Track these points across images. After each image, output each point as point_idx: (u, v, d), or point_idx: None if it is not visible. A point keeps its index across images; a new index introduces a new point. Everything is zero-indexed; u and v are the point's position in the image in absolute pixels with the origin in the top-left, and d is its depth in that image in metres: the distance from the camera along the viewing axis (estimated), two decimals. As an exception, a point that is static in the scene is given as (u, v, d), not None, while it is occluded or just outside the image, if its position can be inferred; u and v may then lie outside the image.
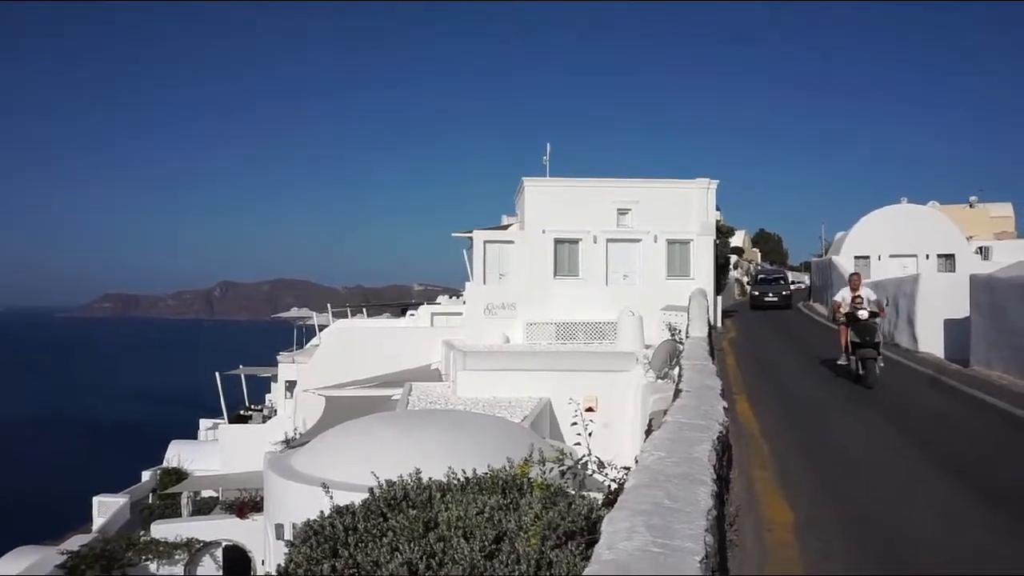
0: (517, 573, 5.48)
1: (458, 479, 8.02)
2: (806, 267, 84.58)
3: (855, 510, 6.67)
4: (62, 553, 20.75)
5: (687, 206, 28.03)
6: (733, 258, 56.23)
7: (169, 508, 27.08)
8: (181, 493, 27.26)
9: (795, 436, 9.79)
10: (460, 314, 28.82)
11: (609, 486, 6.75)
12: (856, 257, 37.15)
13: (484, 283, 27.62)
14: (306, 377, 26.31)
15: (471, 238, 28.35)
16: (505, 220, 35.05)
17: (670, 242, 27.89)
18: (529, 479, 7.52)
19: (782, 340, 23.89)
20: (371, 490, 8.13)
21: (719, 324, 28.17)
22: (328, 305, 40.13)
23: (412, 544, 6.05)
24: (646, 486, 3.93)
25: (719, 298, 29.69)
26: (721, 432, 5.64)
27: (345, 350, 26.66)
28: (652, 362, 17.06)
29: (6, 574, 19.84)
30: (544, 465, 7.08)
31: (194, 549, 22.22)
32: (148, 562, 22.21)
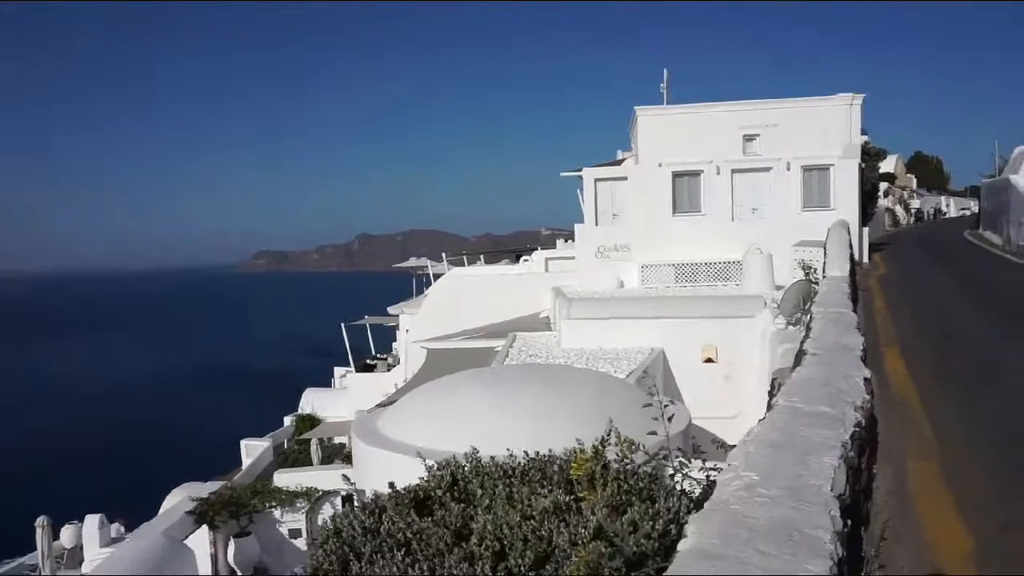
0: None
1: (518, 462, 6.52)
2: (973, 191, 75.28)
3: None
4: (192, 499, 21.62)
5: (826, 127, 24.51)
6: (883, 185, 50.40)
7: (303, 453, 27.91)
8: (309, 440, 27.94)
9: (971, 408, 7.43)
10: (574, 258, 27.13)
11: (704, 479, 5.01)
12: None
13: (596, 224, 25.69)
14: (416, 328, 25.79)
15: (581, 177, 26.39)
16: (620, 155, 32.62)
17: (806, 169, 24.59)
18: (605, 465, 5.90)
19: (947, 277, 20.29)
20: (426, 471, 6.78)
21: (866, 260, 24.77)
22: (443, 254, 39.61)
23: (434, 560, 4.67)
24: (708, 556, 2.23)
25: (866, 230, 26.08)
26: (858, 426, 3.76)
27: (453, 300, 25.82)
28: (781, 306, 14.72)
29: (169, 506, 21.27)
30: (623, 447, 5.45)
31: (314, 497, 22.56)
32: (272, 509, 22.79)
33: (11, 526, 23.01)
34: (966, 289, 16.96)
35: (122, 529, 22.03)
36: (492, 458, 6.72)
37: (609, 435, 6.10)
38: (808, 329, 7.34)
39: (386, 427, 11.58)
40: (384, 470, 10.96)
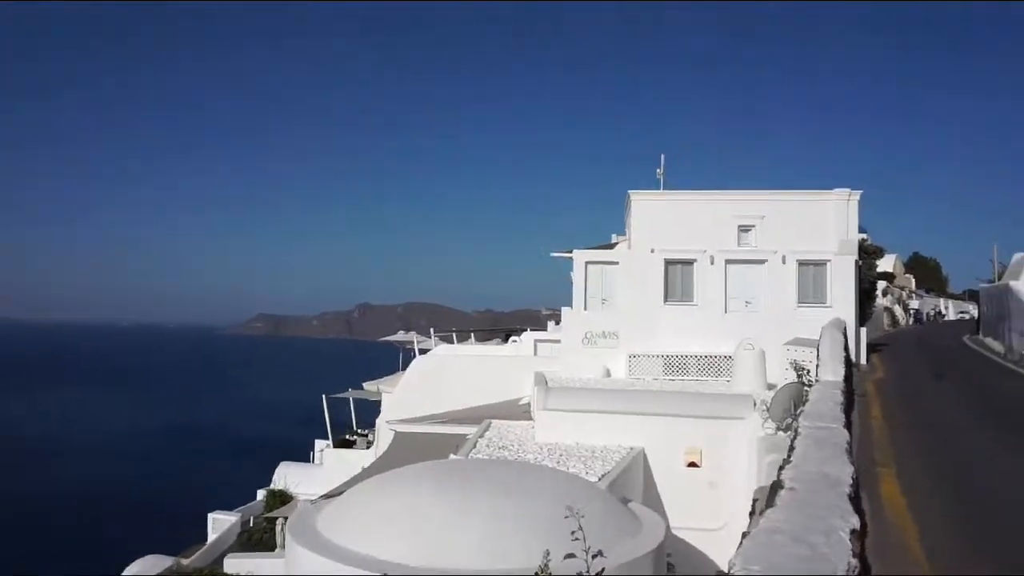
0: None
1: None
2: (971, 295, 74.84)
3: None
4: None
5: (822, 221, 24.01)
6: (882, 284, 49.86)
7: (269, 532, 26.29)
8: (276, 519, 26.35)
9: (980, 552, 6.33)
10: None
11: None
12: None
13: (585, 308, 24.84)
14: (392, 406, 24.61)
15: (572, 258, 25.73)
16: (615, 238, 32.14)
17: (802, 263, 23.92)
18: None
19: (947, 384, 19.21)
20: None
21: (863, 361, 23.78)
22: (431, 329, 38.71)
23: None
24: None
25: (863, 330, 25.20)
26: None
27: (432, 379, 24.75)
28: (771, 410, 13.66)
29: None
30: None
31: (265, 586, 20.85)
32: (220, 600, 21.09)
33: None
34: (969, 401, 15.90)
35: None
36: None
37: (547, 566, 5.07)
38: (791, 450, 6.32)
39: (324, 525, 10.37)
40: (315, 577, 9.74)
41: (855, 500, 4.82)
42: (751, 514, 9.02)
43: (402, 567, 8.85)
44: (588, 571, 4.14)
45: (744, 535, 4.00)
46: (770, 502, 4.49)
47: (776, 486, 4.92)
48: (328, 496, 12.66)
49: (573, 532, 4.57)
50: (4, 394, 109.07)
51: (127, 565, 20.94)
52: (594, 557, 4.22)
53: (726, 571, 3.58)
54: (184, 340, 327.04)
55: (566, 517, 4.60)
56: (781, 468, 5.38)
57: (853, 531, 3.93)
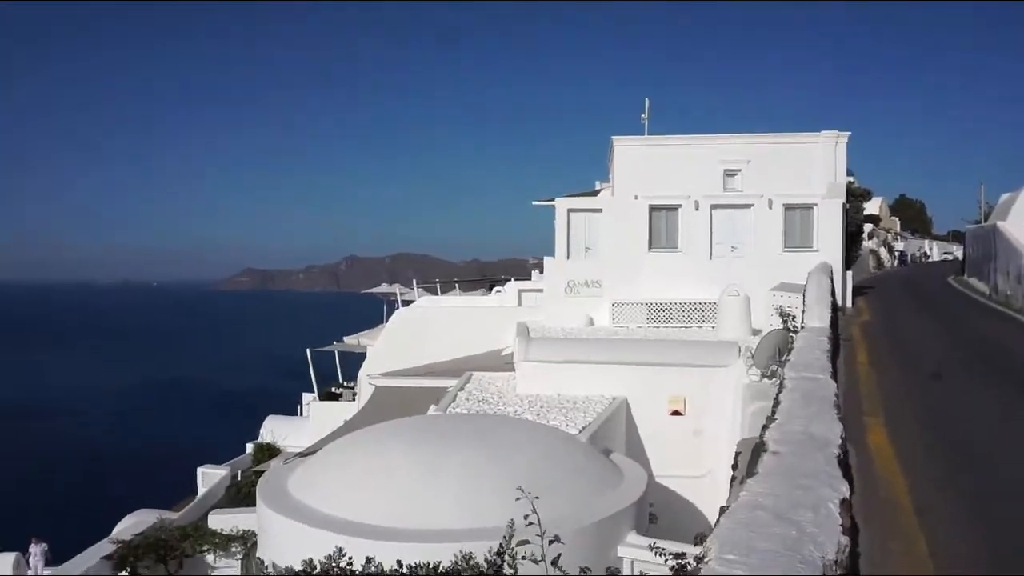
0: None
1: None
2: (955, 236, 74.89)
3: None
4: (111, 542, 19.91)
5: (810, 164, 23.44)
6: (868, 227, 49.60)
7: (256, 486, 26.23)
8: (263, 472, 26.21)
9: (972, 503, 6.01)
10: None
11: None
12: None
13: (568, 257, 24.34)
14: (373, 359, 24.23)
15: (555, 207, 25.09)
16: (599, 186, 31.45)
17: (788, 207, 23.44)
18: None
19: (935, 327, 18.97)
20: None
21: (849, 305, 23.55)
22: (414, 280, 38.16)
23: None
24: None
25: (849, 273, 24.90)
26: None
27: (415, 331, 24.32)
28: (756, 356, 13.35)
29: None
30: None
31: (250, 542, 20.74)
32: (205, 553, 20.96)
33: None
34: (956, 343, 15.68)
35: (40, 564, 20.39)
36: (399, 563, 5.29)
37: (510, 540, 4.68)
38: (775, 404, 5.91)
39: (295, 486, 10.02)
40: (286, 540, 9.42)
41: (844, 462, 4.42)
42: (733, 467, 8.72)
43: (373, 528, 8.54)
44: (543, 557, 3.75)
45: (722, 510, 3.60)
46: (751, 469, 4.08)
47: (759, 448, 4.51)
48: (303, 455, 12.32)
49: (527, 516, 4.16)
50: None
51: (119, 520, 20.81)
52: (551, 543, 3.82)
53: (705, 535, 3.21)
54: (169, 297, 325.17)
55: (517, 499, 4.18)
56: (765, 427, 4.97)
57: (843, 501, 3.52)
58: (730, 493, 5.61)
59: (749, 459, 4.72)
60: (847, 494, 3.66)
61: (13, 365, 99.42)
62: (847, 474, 4.14)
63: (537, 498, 4.50)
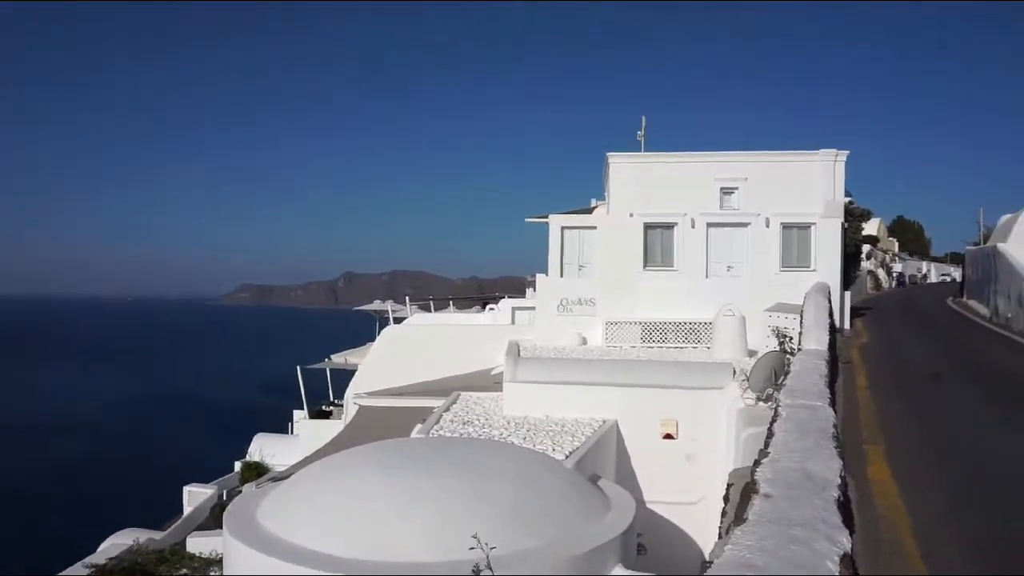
0: None
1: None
2: (953, 258, 74.61)
3: None
4: (86, 566, 19.28)
5: (808, 183, 23.05)
6: (866, 247, 49.28)
7: (244, 506, 25.59)
8: (250, 493, 25.58)
9: (982, 545, 5.49)
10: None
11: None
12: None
13: (561, 275, 23.88)
14: (361, 378, 23.68)
15: (548, 223, 24.68)
16: (594, 203, 31.08)
17: (785, 226, 23.03)
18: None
19: (935, 350, 18.47)
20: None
21: (847, 326, 23.09)
22: (406, 297, 37.64)
23: None
24: None
25: (847, 294, 24.47)
26: None
27: (402, 349, 23.80)
28: (751, 379, 12.86)
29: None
30: None
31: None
32: (182, 580, 20.28)
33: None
34: (956, 367, 15.18)
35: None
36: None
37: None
38: (769, 435, 5.41)
39: (264, 514, 9.45)
40: (250, 572, 8.86)
41: (843, 503, 3.92)
42: (725, 499, 8.19)
43: (343, 561, 7.98)
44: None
45: (706, 565, 3.09)
46: (740, 513, 3.58)
47: (749, 489, 4.00)
48: (276, 479, 11.75)
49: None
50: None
51: (106, 538, 20.30)
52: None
53: None
54: (166, 312, 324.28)
55: (471, 548, 3.67)
56: (757, 463, 4.47)
57: (843, 557, 3.02)
58: (719, 534, 5.09)
59: (739, 501, 4.21)
60: (848, 546, 3.16)
61: (2, 380, 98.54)
62: (847, 519, 3.64)
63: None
